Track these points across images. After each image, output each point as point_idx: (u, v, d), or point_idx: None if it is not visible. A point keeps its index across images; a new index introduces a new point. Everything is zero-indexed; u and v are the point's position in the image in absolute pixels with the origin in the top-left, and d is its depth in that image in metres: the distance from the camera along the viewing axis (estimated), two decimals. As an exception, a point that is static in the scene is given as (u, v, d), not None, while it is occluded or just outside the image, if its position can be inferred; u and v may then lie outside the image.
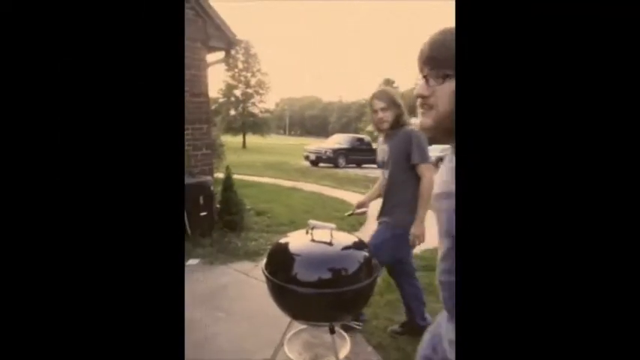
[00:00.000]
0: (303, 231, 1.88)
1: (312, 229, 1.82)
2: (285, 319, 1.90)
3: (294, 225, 4.66)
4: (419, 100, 0.76)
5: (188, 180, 3.97)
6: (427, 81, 0.74)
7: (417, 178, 2.11)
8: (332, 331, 1.82)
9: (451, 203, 0.72)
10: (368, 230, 4.70)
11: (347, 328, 2.28)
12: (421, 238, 2.11)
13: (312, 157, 14.04)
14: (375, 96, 2.16)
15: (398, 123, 2.16)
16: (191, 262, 3.47)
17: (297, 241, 1.85)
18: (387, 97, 2.14)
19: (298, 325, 2.22)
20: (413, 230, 2.10)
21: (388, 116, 2.14)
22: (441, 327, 0.92)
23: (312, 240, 1.78)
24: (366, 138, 16.25)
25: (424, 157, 2.09)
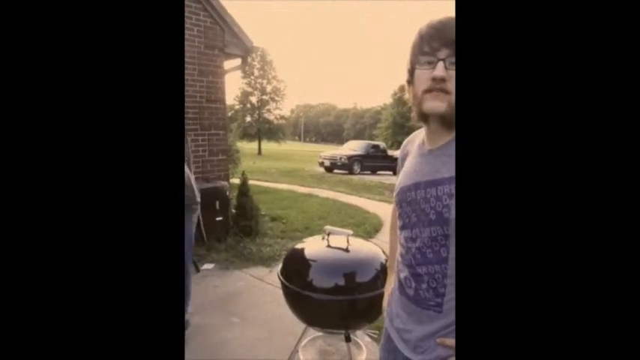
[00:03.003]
0: (319, 237, 1.87)
1: (329, 235, 1.81)
2: (301, 325, 1.88)
3: (309, 231, 4.65)
4: (430, 82, 0.72)
5: (204, 185, 4.01)
6: (445, 64, 0.71)
7: None
8: (348, 339, 1.80)
9: (433, 191, 0.76)
10: (384, 236, 4.66)
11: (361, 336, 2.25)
12: None
13: (327, 163, 14.00)
14: None
15: None
16: (206, 267, 3.49)
17: (313, 247, 1.83)
18: None
19: (313, 332, 2.20)
20: None
21: None
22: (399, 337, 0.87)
23: (328, 246, 1.76)
24: (381, 145, 16.16)
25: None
